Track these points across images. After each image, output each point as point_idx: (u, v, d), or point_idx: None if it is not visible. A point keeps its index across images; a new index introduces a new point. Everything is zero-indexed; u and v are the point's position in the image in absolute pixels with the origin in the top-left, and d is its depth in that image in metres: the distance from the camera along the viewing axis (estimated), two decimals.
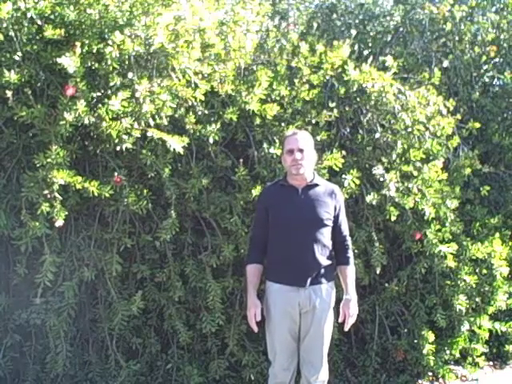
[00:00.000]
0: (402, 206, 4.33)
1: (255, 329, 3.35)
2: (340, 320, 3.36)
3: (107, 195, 3.58)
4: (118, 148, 3.64)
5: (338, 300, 3.44)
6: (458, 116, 4.87)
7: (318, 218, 3.32)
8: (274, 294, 3.35)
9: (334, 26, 5.98)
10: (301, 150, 3.32)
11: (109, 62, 3.55)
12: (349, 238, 3.47)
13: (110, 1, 3.60)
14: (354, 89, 4.37)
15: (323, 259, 3.32)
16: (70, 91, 3.42)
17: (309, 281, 3.29)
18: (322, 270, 3.32)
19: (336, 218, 3.40)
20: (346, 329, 3.37)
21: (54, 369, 3.91)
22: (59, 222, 3.42)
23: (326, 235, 3.34)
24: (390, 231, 4.57)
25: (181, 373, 4.17)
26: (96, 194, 3.54)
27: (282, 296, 3.31)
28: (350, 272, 3.42)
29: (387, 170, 4.36)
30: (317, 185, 3.40)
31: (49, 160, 3.42)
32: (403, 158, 4.47)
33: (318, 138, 4.18)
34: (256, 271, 3.38)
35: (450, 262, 4.44)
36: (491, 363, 5.04)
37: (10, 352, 3.96)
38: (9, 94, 3.35)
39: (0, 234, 3.70)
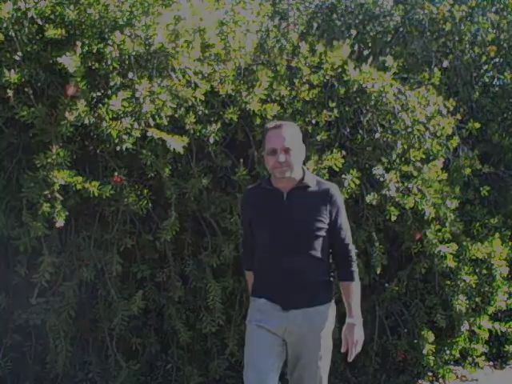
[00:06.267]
0: (402, 206, 4.33)
1: None
2: (343, 350, 2.76)
3: (107, 195, 3.58)
4: (118, 148, 3.63)
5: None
6: (458, 116, 4.87)
7: (308, 230, 2.71)
8: (255, 312, 2.80)
9: (334, 26, 5.97)
10: (286, 150, 2.67)
11: (109, 62, 3.56)
12: (352, 248, 2.83)
13: (110, 1, 3.60)
14: (354, 89, 4.37)
15: (316, 277, 2.76)
16: (70, 91, 3.43)
17: (298, 303, 2.72)
18: (316, 290, 2.76)
19: (333, 225, 2.76)
20: (350, 359, 2.74)
21: (53, 369, 3.92)
22: (60, 223, 3.42)
23: (318, 249, 2.73)
24: (390, 231, 4.57)
25: (181, 373, 4.17)
26: (96, 194, 3.54)
27: (266, 316, 2.74)
28: (355, 289, 2.78)
29: (387, 170, 4.36)
30: (307, 186, 2.77)
31: (49, 160, 3.42)
32: (403, 158, 4.46)
33: (318, 137, 4.19)
34: (251, 276, 2.93)
35: (450, 262, 4.43)
36: (491, 363, 5.04)
37: (9, 352, 3.96)
38: (10, 93, 3.35)
39: (0, 234, 3.70)
